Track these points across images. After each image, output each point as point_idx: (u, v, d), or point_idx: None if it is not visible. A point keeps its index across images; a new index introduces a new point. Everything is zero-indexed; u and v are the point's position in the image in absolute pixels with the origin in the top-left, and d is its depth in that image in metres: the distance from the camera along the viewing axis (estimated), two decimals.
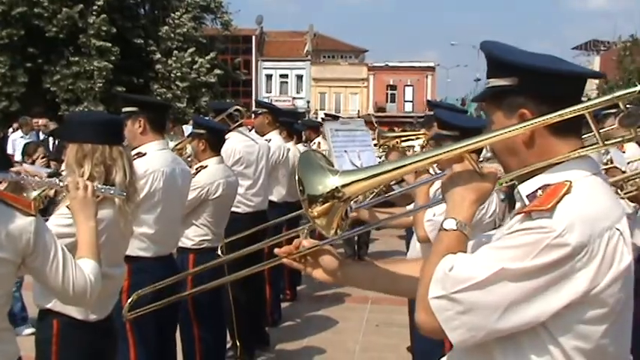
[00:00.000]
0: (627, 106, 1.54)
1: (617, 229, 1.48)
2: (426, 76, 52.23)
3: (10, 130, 14.71)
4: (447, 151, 1.66)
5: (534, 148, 1.60)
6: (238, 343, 5.60)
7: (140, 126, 3.90)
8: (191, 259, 4.53)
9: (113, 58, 31.41)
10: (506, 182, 1.77)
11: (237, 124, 5.99)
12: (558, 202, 1.45)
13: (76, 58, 31.46)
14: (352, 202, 1.93)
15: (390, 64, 52.69)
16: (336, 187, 1.71)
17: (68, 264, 2.28)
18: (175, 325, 4.25)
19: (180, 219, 4.26)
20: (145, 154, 3.86)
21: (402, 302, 7.12)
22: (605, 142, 1.61)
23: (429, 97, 46.34)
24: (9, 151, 10.77)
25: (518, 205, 1.66)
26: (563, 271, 1.41)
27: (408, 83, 52.17)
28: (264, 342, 6.06)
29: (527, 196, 1.58)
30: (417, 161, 1.72)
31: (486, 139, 1.62)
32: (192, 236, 4.58)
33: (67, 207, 2.67)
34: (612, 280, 1.45)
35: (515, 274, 1.42)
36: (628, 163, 4.22)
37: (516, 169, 1.65)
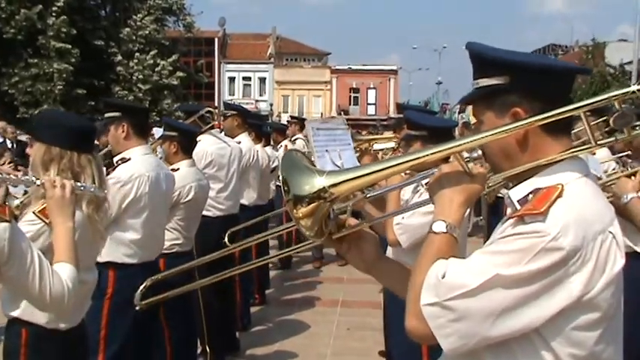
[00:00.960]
0: (622, 106, 1.52)
1: (610, 232, 1.46)
2: (389, 79, 52.62)
3: None
4: (438, 151, 1.62)
5: (528, 148, 1.57)
6: (208, 349, 5.52)
7: (123, 131, 3.87)
8: (161, 263, 4.42)
9: (73, 60, 30.85)
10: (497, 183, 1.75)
11: (208, 126, 5.92)
12: (551, 205, 1.43)
13: (35, 60, 30.81)
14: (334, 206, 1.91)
15: (353, 67, 52.98)
16: (324, 188, 1.67)
17: (45, 271, 2.19)
18: (152, 336, 4.16)
19: (165, 223, 4.24)
20: (129, 159, 3.83)
21: (372, 305, 7.18)
22: (598, 142, 1.60)
23: (391, 100, 46.74)
24: None
25: (509, 210, 1.63)
26: (557, 275, 1.39)
27: (371, 86, 52.50)
28: (234, 347, 5.99)
29: (518, 201, 1.55)
30: (406, 161, 1.66)
31: (480, 138, 1.58)
32: (164, 240, 4.48)
33: (34, 213, 2.57)
34: (605, 285, 1.43)
35: (510, 280, 1.39)
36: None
37: (508, 169, 1.62)
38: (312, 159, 2.06)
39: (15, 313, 2.70)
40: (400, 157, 1.71)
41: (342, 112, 49.58)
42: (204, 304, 5.60)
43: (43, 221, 2.56)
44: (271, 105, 50.56)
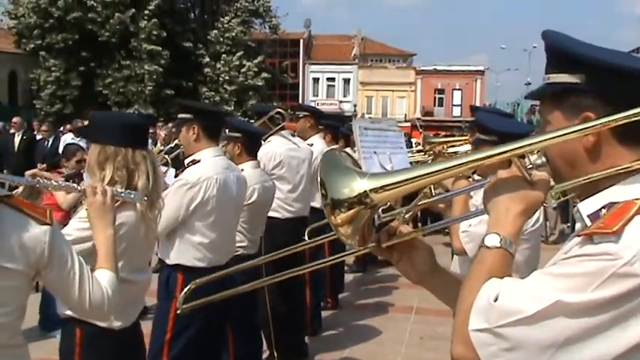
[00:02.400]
0: None
1: None
2: (475, 80, 51.43)
3: (62, 131, 14.96)
4: (492, 155, 1.42)
5: (598, 157, 1.37)
6: (276, 354, 5.44)
7: (194, 133, 3.86)
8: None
9: (163, 61, 31.92)
10: (560, 193, 1.54)
11: (278, 127, 5.86)
12: (626, 223, 1.22)
13: (127, 62, 32.10)
14: (380, 209, 1.75)
15: (438, 67, 52.12)
16: (365, 192, 1.50)
17: (85, 276, 2.15)
18: (219, 345, 4.13)
19: (235, 227, 4.20)
20: (199, 161, 3.82)
21: (447, 314, 6.85)
22: None
23: (477, 102, 45.66)
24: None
25: (578, 225, 1.41)
26: (631, 306, 1.18)
27: (457, 87, 51.48)
28: (302, 352, 5.88)
29: (588, 216, 1.34)
30: (457, 165, 1.47)
31: (540, 141, 1.38)
32: None
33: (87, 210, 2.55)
34: None
35: (574, 308, 1.19)
36: None
37: (571, 179, 1.42)
38: (359, 161, 1.89)
39: (69, 312, 2.70)
40: (452, 160, 1.52)
41: (427, 114, 49.04)
42: (271, 308, 5.54)
43: None
44: (355, 106, 50.49)
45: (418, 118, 45.90)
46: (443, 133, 18.64)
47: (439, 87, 51.79)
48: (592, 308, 1.19)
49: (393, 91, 51.49)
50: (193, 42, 34.07)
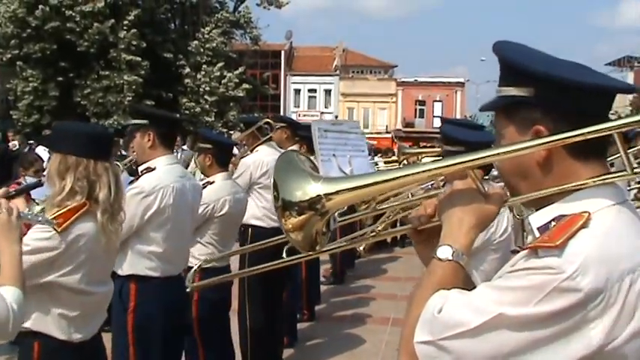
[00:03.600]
0: None
1: None
2: (455, 92, 51.81)
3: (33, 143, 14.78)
4: (445, 166, 1.42)
5: (550, 171, 1.35)
6: None
7: (149, 140, 3.76)
8: (196, 280, 4.31)
9: (143, 72, 31.68)
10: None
11: (266, 137, 5.88)
12: (571, 237, 1.21)
13: (107, 72, 31.80)
14: (337, 213, 1.68)
15: (419, 79, 52.49)
16: (318, 196, 1.46)
17: None
18: (181, 352, 4.06)
19: (191, 237, 4.12)
20: (154, 169, 3.72)
21: None
22: (635, 170, 1.33)
23: (458, 113, 45.97)
24: None
25: (529, 238, 1.40)
26: (573, 320, 1.17)
27: (437, 99, 51.79)
28: None
29: (538, 229, 1.33)
30: (412, 173, 1.45)
31: (494, 154, 1.36)
32: (198, 255, 4.36)
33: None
34: (633, 335, 1.19)
35: (516, 322, 1.18)
36: None
37: (525, 193, 1.40)
38: (317, 163, 1.84)
39: (27, 324, 2.62)
40: (408, 168, 1.52)
41: (407, 125, 49.24)
42: (250, 319, 5.50)
43: (55, 229, 2.53)
44: (336, 117, 50.51)
45: (398, 129, 46.15)
46: (423, 144, 18.71)
47: (420, 98, 52.09)
48: (534, 322, 1.17)
49: (374, 102, 51.71)
50: (173, 52, 33.88)
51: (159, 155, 3.77)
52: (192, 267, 4.27)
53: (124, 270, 3.60)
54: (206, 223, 4.39)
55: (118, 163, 4.36)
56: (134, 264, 3.60)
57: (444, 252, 1.36)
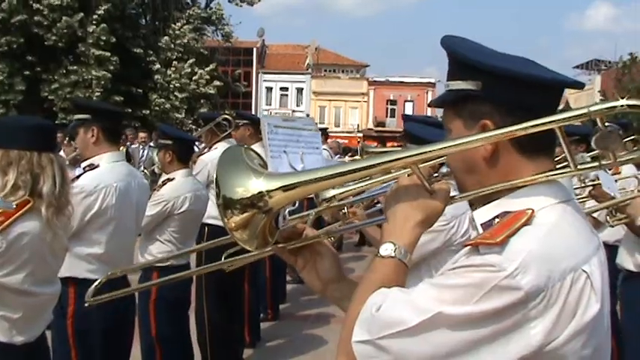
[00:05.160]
0: (606, 124, 1.23)
1: (584, 271, 1.20)
2: (427, 92, 52.07)
3: None
4: (389, 160, 1.38)
5: (496, 166, 1.33)
6: None
7: (93, 135, 3.62)
8: (155, 277, 4.24)
9: (112, 67, 31.23)
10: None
11: (225, 134, 5.79)
12: (512, 234, 1.19)
13: (75, 67, 31.30)
14: (287, 211, 1.64)
15: (391, 79, 52.65)
16: (260, 192, 1.41)
17: None
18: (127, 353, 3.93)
19: (135, 237, 3.98)
20: (97, 166, 3.58)
21: None
22: (579, 167, 1.32)
23: (429, 113, 46.17)
24: None
25: (473, 234, 1.38)
26: (513, 320, 1.14)
27: (409, 98, 52.04)
28: None
29: (482, 225, 1.31)
30: (358, 169, 1.41)
31: (437, 149, 1.33)
32: (156, 253, 4.31)
33: None
34: (574, 334, 1.17)
35: (455, 321, 1.15)
36: (616, 181, 3.86)
37: (473, 189, 1.38)
38: (267, 160, 1.79)
39: None
40: (352, 163, 1.45)
41: (379, 124, 49.40)
42: (209, 321, 5.44)
43: None
44: (308, 115, 50.44)
45: (370, 129, 46.26)
46: (393, 144, 18.74)
47: (391, 98, 52.30)
48: (474, 321, 1.14)
49: (345, 101, 51.79)
50: (144, 48, 33.48)
51: (103, 152, 3.64)
52: (158, 266, 4.23)
53: (62, 272, 3.36)
54: (166, 220, 4.31)
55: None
56: (72, 266, 3.40)
57: (386, 249, 1.33)
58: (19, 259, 2.52)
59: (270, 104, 51.63)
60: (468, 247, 1.24)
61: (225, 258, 1.87)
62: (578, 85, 1.46)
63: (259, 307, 6.86)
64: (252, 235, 1.45)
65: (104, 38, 31.00)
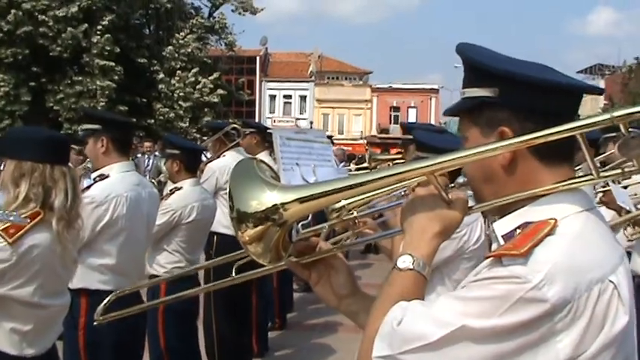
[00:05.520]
0: (630, 129, 1.21)
1: (611, 282, 1.18)
2: (430, 98, 52.10)
3: None
4: (407, 170, 1.36)
5: (515, 175, 1.31)
6: None
7: (102, 145, 3.61)
8: (163, 287, 4.22)
9: (116, 77, 31.34)
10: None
11: (234, 143, 5.80)
12: (536, 245, 1.16)
13: (80, 78, 31.41)
14: (300, 224, 1.59)
15: (394, 85, 52.63)
16: (274, 205, 1.39)
17: None
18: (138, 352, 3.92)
19: (146, 248, 3.97)
20: (107, 177, 3.57)
21: None
22: (601, 174, 1.29)
23: (432, 120, 46.19)
24: None
25: (494, 246, 1.35)
26: (540, 333, 1.11)
27: (412, 105, 52.02)
28: None
29: (503, 236, 1.28)
30: (372, 180, 1.39)
31: (455, 158, 1.31)
32: (164, 263, 4.30)
33: None
34: (603, 347, 1.14)
35: (480, 334, 1.12)
36: (625, 187, 3.78)
37: (491, 198, 1.35)
38: (279, 172, 1.77)
39: None
40: (369, 174, 1.44)
41: (382, 131, 49.34)
42: (217, 331, 5.42)
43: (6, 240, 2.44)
44: (311, 123, 50.51)
45: (373, 136, 46.23)
46: (397, 150, 18.68)
47: (395, 105, 52.28)
48: (498, 334, 1.12)
49: (349, 108, 51.79)
50: (148, 58, 33.60)
51: (113, 162, 3.63)
52: (155, 275, 4.21)
53: (74, 284, 3.38)
54: (173, 230, 4.29)
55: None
56: (84, 277, 3.39)
57: (404, 261, 1.31)
58: (29, 271, 2.51)
59: (274, 112, 51.68)
60: (491, 259, 1.21)
61: (235, 273, 1.85)
62: (596, 90, 1.44)
63: (267, 317, 6.83)
64: (266, 249, 1.43)
65: (108, 48, 31.12)
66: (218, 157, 5.77)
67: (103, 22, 31.22)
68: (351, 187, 1.40)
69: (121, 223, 3.52)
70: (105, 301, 2.21)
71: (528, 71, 1.29)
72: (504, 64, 1.31)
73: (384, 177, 1.39)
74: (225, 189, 5.45)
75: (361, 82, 55.05)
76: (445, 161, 1.32)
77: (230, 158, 5.66)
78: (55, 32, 30.74)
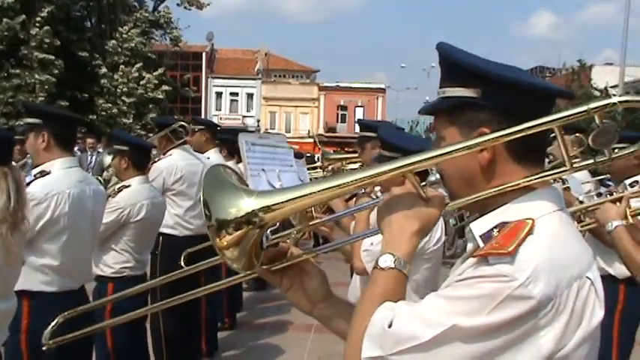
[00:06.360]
0: (604, 121, 1.24)
1: (588, 278, 1.23)
2: (377, 98, 52.65)
3: None
4: (385, 171, 1.36)
5: (493, 175, 1.33)
6: None
7: (44, 141, 3.44)
8: (110, 288, 4.10)
9: (56, 71, 30.41)
10: (455, 210, 1.50)
11: (181, 141, 5.67)
12: (520, 244, 1.18)
13: (17, 71, 30.34)
14: (269, 231, 1.59)
15: (341, 84, 52.97)
16: (253, 211, 1.40)
17: None
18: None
19: (92, 247, 3.79)
20: (48, 173, 3.40)
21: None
22: (574, 165, 1.33)
23: (379, 118, 46.63)
24: None
25: (470, 245, 1.37)
26: (525, 329, 1.14)
27: (359, 104, 52.46)
28: None
29: (480, 236, 1.29)
30: (349, 182, 1.39)
31: (434, 156, 1.32)
32: (112, 263, 4.15)
33: None
34: (581, 341, 1.19)
35: (470, 333, 1.14)
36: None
37: (466, 197, 1.37)
38: (245, 179, 1.75)
39: None
40: (344, 176, 1.43)
41: (330, 130, 49.60)
42: (164, 330, 5.29)
43: None
44: (258, 121, 50.40)
45: (320, 134, 46.36)
46: (347, 149, 18.80)
47: (342, 103, 52.62)
48: (488, 331, 1.13)
49: (296, 106, 51.85)
50: (89, 52, 32.73)
51: (55, 157, 3.46)
52: (101, 276, 4.06)
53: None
54: (121, 228, 4.15)
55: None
56: (26, 278, 3.15)
57: (385, 261, 1.32)
58: None
59: (220, 109, 51.23)
60: (476, 258, 1.22)
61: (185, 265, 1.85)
62: (569, 96, 1.48)
63: (216, 316, 6.72)
64: (241, 254, 1.43)
65: (48, 41, 30.15)
66: (164, 154, 5.62)
67: (42, 14, 30.22)
68: (326, 189, 1.41)
69: (63, 222, 3.36)
70: (52, 324, 2.16)
71: (510, 73, 1.31)
72: (489, 66, 1.32)
73: (362, 178, 1.39)
74: (173, 190, 5.31)
75: (308, 81, 55.16)
76: (425, 159, 1.33)
77: (177, 157, 5.55)
78: None
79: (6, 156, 2.59)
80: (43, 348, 2.03)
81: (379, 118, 48.73)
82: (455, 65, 1.35)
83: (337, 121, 52.62)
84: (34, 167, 3.52)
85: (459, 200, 1.39)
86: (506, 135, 1.25)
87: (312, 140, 39.70)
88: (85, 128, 25.65)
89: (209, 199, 1.41)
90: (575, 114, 1.24)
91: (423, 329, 1.16)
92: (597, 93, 26.72)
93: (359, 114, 51.81)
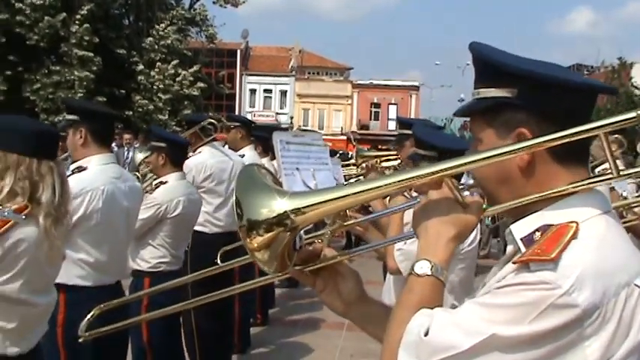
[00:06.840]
0: None
1: (637, 286, 1.16)
2: (410, 95, 52.23)
3: None
4: (422, 175, 1.33)
5: (532, 176, 1.28)
6: None
7: (81, 137, 3.49)
8: (146, 283, 4.16)
9: (95, 68, 30.88)
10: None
11: (210, 138, 5.70)
12: (564, 249, 1.13)
13: (57, 68, 30.92)
14: (302, 231, 1.58)
15: (375, 82, 52.68)
16: (285, 212, 1.37)
17: None
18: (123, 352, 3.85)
19: (128, 243, 3.85)
20: (85, 169, 3.46)
21: None
22: (621, 172, 1.27)
23: (412, 116, 46.31)
24: None
25: (509, 248, 1.33)
26: (569, 339, 1.09)
27: (392, 102, 52.13)
28: None
29: (522, 239, 1.25)
30: (384, 185, 1.36)
31: (473, 161, 1.28)
32: (149, 258, 4.22)
33: None
34: (629, 351, 1.13)
35: (510, 343, 1.10)
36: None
37: (506, 201, 1.32)
38: (279, 178, 1.74)
39: None
40: (379, 179, 1.40)
41: (362, 127, 49.43)
42: (197, 326, 5.34)
43: None
44: (291, 118, 50.43)
45: (353, 132, 46.25)
46: (381, 147, 18.74)
47: (375, 101, 52.34)
48: (529, 341, 1.09)
49: (329, 104, 51.73)
50: (127, 49, 33.17)
51: (92, 154, 3.52)
52: (138, 270, 4.12)
53: None
54: (158, 224, 4.21)
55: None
56: (63, 272, 3.16)
57: (421, 267, 1.29)
58: (15, 266, 2.41)
59: (254, 106, 51.43)
60: (517, 264, 1.17)
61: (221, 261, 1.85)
62: (612, 91, 1.43)
63: (248, 313, 6.77)
64: (272, 256, 1.41)
65: (87, 38, 30.65)
66: (193, 152, 5.67)
67: (82, 12, 30.70)
68: (361, 192, 1.38)
69: (96, 218, 3.40)
70: (88, 316, 2.18)
71: (548, 71, 1.26)
72: (525, 65, 1.28)
73: (398, 182, 1.35)
74: (202, 187, 5.34)
75: (342, 78, 55.02)
76: (464, 164, 1.30)
77: (207, 154, 5.58)
78: (32, 21, 30.20)
79: (52, 151, 2.64)
80: (79, 340, 2.07)
81: (413, 116, 48.42)
82: (489, 65, 1.31)
83: (370, 119, 52.39)
84: (73, 163, 3.59)
85: (499, 206, 1.35)
86: (551, 140, 1.21)
87: (344, 138, 39.67)
88: (122, 124, 26.06)
89: (241, 198, 1.40)
90: (624, 120, 1.19)
91: (461, 338, 1.13)
92: (638, 92, 26.06)
93: (392, 112, 51.51)
